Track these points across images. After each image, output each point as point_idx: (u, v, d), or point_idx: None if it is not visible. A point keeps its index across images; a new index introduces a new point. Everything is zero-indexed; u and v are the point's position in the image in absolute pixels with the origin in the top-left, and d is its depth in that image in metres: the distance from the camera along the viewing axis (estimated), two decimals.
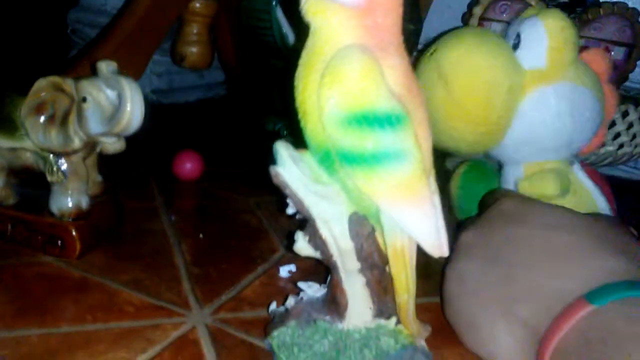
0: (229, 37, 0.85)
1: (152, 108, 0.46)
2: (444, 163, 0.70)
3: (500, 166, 0.60)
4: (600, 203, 0.55)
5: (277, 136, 0.93)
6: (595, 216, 0.42)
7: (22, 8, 1.01)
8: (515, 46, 0.51)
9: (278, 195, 0.68)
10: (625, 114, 0.77)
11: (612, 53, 0.83)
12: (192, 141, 0.79)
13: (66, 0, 1.09)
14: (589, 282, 0.34)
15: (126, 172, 0.68)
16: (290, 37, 0.80)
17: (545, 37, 0.49)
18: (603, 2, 0.85)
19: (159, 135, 0.83)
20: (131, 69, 0.68)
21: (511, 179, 0.55)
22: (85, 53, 0.64)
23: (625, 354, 0.29)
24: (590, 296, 0.33)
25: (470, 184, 0.61)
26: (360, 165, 0.32)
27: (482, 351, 0.39)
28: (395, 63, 0.33)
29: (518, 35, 0.51)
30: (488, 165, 0.61)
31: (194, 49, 0.78)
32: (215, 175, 0.71)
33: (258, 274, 0.49)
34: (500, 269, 0.38)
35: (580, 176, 0.55)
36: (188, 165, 0.69)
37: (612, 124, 0.78)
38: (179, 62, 0.78)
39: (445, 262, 0.43)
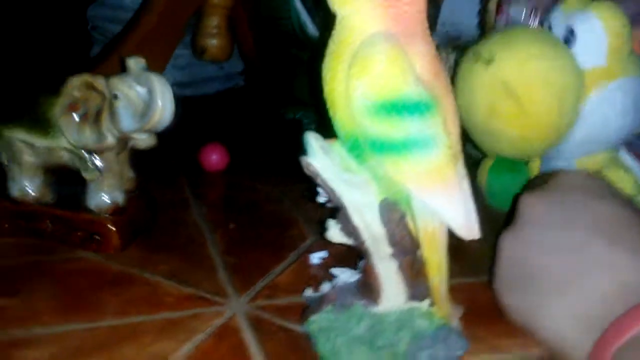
0: (248, 27, 0.86)
1: (176, 101, 0.47)
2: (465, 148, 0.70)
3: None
4: None
5: (298, 124, 0.94)
6: None
7: (43, 6, 1.03)
8: (568, 41, 0.50)
9: (303, 183, 0.69)
10: None
11: None
12: (216, 132, 0.80)
13: None
14: None
15: (155, 166, 0.69)
16: (309, 26, 0.80)
17: (605, 36, 0.48)
18: None
19: (184, 127, 0.84)
20: (155, 63, 0.69)
21: None
22: (109, 50, 0.66)
23: None
24: None
25: (499, 175, 0.60)
26: (390, 153, 0.32)
27: (533, 324, 0.37)
28: (421, 50, 0.33)
29: (571, 31, 0.49)
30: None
31: (214, 41, 0.78)
32: (240, 166, 0.72)
33: (290, 262, 0.50)
34: (575, 236, 0.36)
35: (628, 161, 0.54)
36: (214, 157, 0.70)
37: None
38: (200, 55, 0.79)
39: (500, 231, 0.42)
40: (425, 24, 0.34)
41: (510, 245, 0.39)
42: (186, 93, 1.02)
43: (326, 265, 0.49)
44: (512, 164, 0.60)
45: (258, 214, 0.60)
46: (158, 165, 0.70)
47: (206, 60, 0.81)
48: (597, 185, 0.39)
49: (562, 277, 0.35)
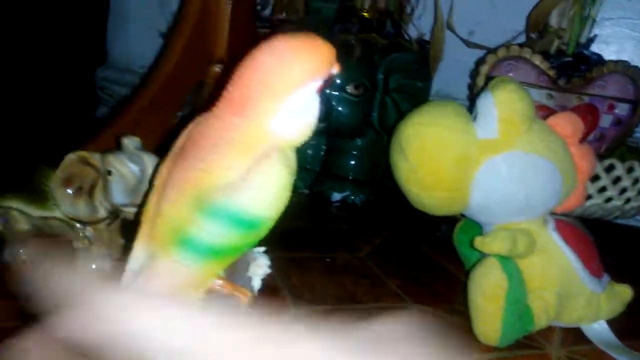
0: None
1: None
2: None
3: None
4: (573, 262, 0.57)
5: (293, 187, 0.97)
6: None
7: (54, 67, 1.08)
8: (475, 117, 0.55)
9: (287, 252, 0.70)
10: (630, 170, 0.79)
11: (617, 109, 0.86)
12: None
13: (95, 60, 1.15)
14: None
15: None
16: None
17: (494, 109, 0.53)
18: (607, 61, 0.88)
19: None
20: (152, 134, 0.72)
21: None
22: (110, 120, 0.69)
23: None
24: None
25: (464, 237, 0.66)
26: None
27: None
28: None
29: (476, 107, 0.55)
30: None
31: None
32: None
33: None
34: None
35: (553, 236, 0.57)
36: None
37: (618, 179, 0.79)
38: None
39: None
40: None
41: None
42: None
43: None
44: (472, 227, 0.63)
45: None
46: None
47: None
48: None
49: None
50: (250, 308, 0.37)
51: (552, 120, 0.60)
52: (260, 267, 0.38)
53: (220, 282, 0.33)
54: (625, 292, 0.60)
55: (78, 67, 1.13)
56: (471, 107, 0.94)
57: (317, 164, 0.97)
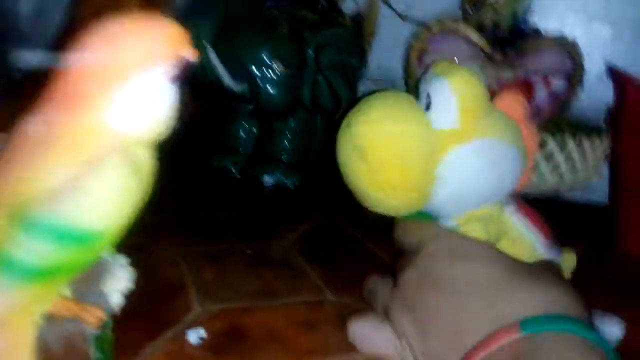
0: None
1: None
2: None
3: None
4: (535, 243, 0.55)
5: (225, 172, 0.92)
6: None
7: None
8: (427, 106, 0.50)
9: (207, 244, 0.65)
10: (563, 146, 0.77)
11: (554, 84, 0.83)
12: None
13: None
14: (530, 309, 0.39)
15: None
16: (226, 80, 0.79)
17: (454, 98, 0.49)
18: (543, 35, 0.85)
19: None
20: None
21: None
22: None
23: None
24: (524, 324, 0.37)
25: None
26: None
27: None
28: None
29: (428, 96, 0.50)
30: None
31: None
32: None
33: (165, 340, 0.48)
34: (449, 300, 0.43)
35: (513, 219, 0.55)
36: None
37: (551, 156, 0.77)
38: None
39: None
40: None
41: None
42: None
43: (206, 346, 0.47)
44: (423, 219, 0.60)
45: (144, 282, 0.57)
46: None
47: None
48: (465, 249, 0.47)
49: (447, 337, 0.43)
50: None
51: (501, 102, 0.56)
52: (118, 281, 0.34)
53: (62, 304, 0.29)
54: (569, 259, 0.58)
55: None
56: (407, 85, 0.90)
57: (249, 147, 0.92)
